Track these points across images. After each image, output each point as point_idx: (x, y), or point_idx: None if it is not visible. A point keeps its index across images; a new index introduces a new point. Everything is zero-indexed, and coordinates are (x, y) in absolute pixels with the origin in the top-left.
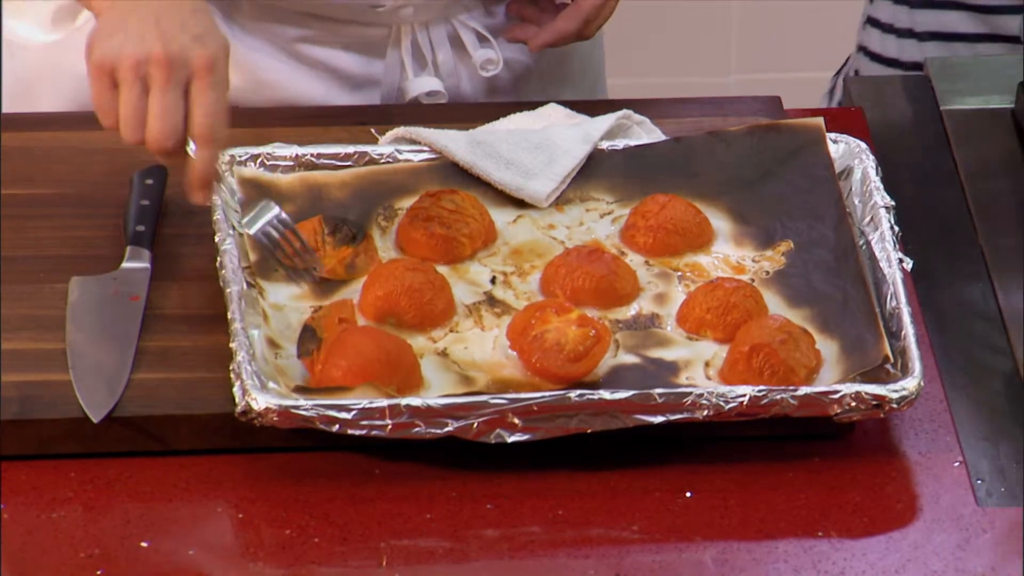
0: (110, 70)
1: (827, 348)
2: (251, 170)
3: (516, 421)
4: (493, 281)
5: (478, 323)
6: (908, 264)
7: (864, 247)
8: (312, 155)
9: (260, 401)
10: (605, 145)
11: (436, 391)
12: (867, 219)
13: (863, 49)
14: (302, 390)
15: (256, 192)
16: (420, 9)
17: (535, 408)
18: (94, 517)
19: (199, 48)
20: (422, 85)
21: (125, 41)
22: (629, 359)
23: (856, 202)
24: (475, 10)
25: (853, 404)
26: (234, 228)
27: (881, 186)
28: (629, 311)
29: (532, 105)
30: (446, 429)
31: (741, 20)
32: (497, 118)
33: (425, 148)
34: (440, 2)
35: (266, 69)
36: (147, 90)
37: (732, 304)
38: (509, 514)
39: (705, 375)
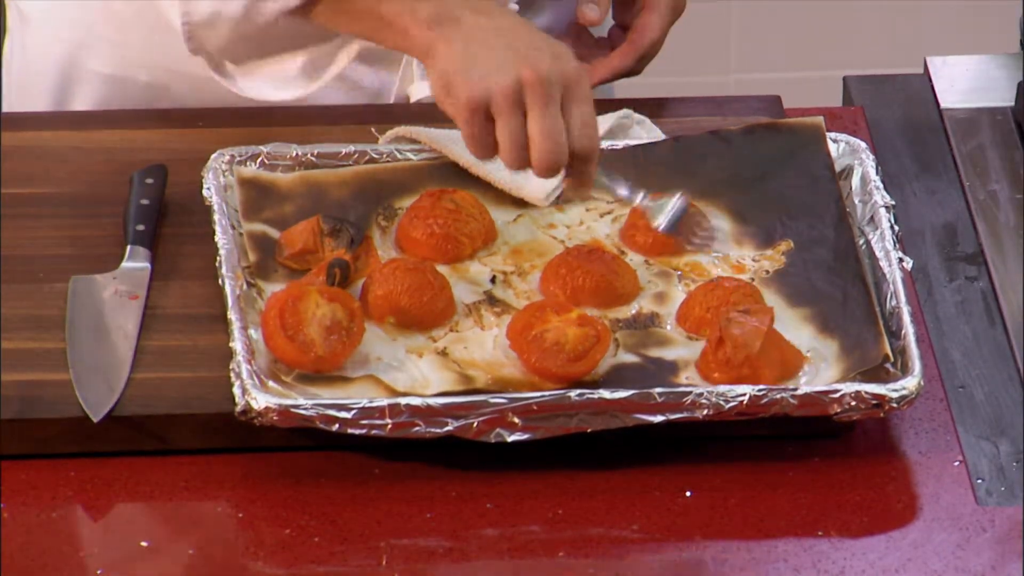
0: (484, 105)
1: (827, 347)
2: (251, 169)
3: (516, 420)
4: (493, 280)
5: (478, 322)
6: (908, 263)
7: (864, 246)
8: (312, 154)
9: (260, 400)
10: (606, 145)
11: (436, 390)
12: (867, 218)
13: None
14: (304, 379)
15: (256, 192)
16: None
17: (535, 407)
18: (94, 517)
19: (563, 64)
20: (425, 90)
21: (488, 73)
22: (629, 358)
23: (856, 201)
24: None
25: (853, 403)
26: (234, 227)
27: (881, 185)
28: (629, 310)
29: None
30: (446, 428)
31: (741, 20)
32: None
33: (425, 148)
34: None
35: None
36: (524, 115)
37: (732, 304)
38: (509, 514)
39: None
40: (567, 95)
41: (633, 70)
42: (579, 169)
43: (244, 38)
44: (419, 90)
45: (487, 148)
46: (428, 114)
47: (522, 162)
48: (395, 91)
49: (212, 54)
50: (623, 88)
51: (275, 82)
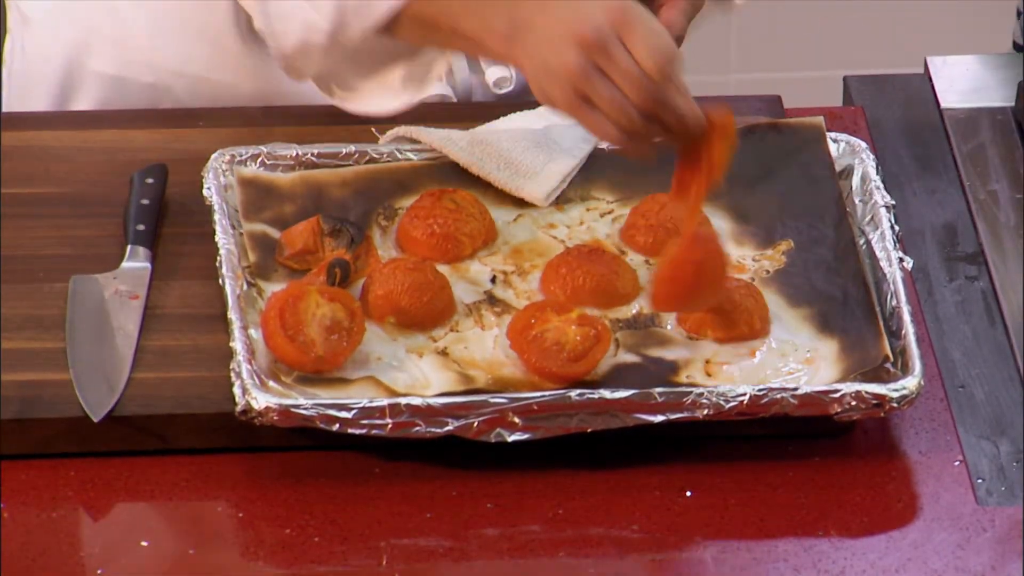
0: (576, 98)
1: (827, 347)
2: (251, 169)
3: (516, 420)
4: (493, 280)
5: (478, 322)
6: (908, 263)
7: (864, 246)
8: (312, 154)
9: (260, 400)
10: (606, 145)
11: (436, 390)
12: (867, 218)
13: None
14: (304, 379)
15: (256, 192)
16: None
17: (535, 407)
18: (93, 517)
19: (606, 11)
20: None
21: (551, 68)
22: (629, 358)
23: (856, 201)
24: None
25: (853, 403)
26: (234, 227)
27: (881, 185)
28: (629, 310)
29: (532, 105)
30: (446, 428)
31: (741, 20)
32: (497, 118)
33: (425, 148)
34: None
35: (284, 81)
36: (607, 80)
37: (732, 303)
38: (509, 513)
39: (704, 372)
40: (624, 32)
41: None
42: (672, 85)
43: (339, 61)
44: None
45: (605, 128)
46: (428, 114)
47: (635, 120)
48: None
49: (315, 79)
50: None
51: (382, 96)
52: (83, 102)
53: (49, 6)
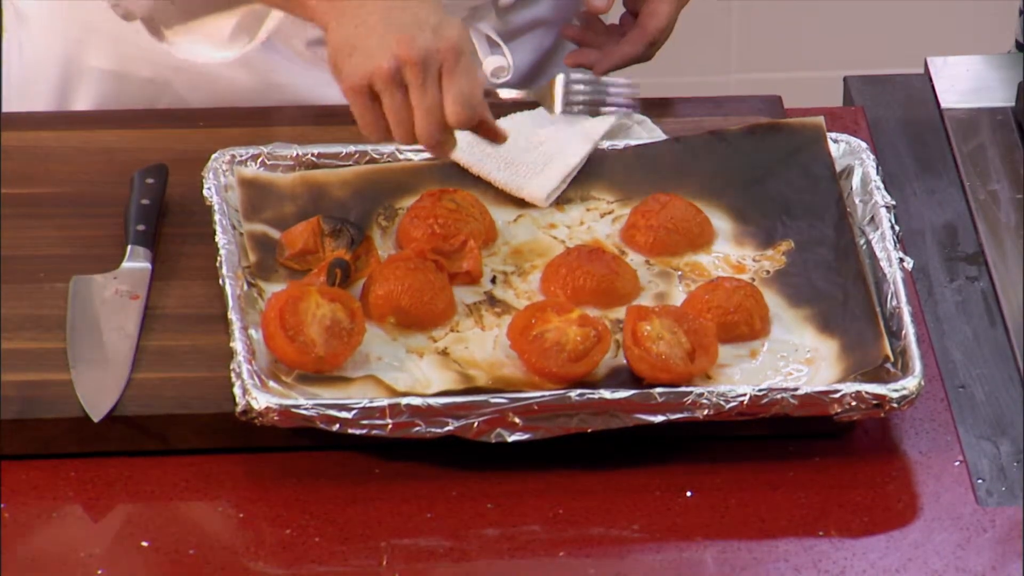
0: (367, 86)
1: (827, 347)
2: (251, 170)
3: (516, 420)
4: (493, 280)
5: (478, 323)
6: (909, 263)
7: (865, 246)
8: (313, 154)
9: (260, 400)
10: (606, 145)
11: (436, 390)
12: (868, 218)
13: None
14: (304, 379)
15: (256, 192)
16: None
17: (535, 407)
18: (94, 517)
19: (441, 40)
20: None
21: (369, 55)
22: None
23: (857, 201)
24: (488, 17)
25: (853, 403)
26: (234, 228)
27: (882, 185)
28: None
29: (532, 105)
30: (446, 428)
31: (741, 20)
32: (497, 118)
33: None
34: (460, 6)
35: (280, 72)
36: (406, 92)
37: (733, 304)
38: (509, 513)
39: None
40: (445, 70)
41: (644, 56)
42: (481, 134)
43: (169, 3)
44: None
45: (374, 127)
46: None
47: (408, 137)
48: None
49: (143, 19)
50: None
51: (211, 43)
52: (82, 99)
53: (45, 4)
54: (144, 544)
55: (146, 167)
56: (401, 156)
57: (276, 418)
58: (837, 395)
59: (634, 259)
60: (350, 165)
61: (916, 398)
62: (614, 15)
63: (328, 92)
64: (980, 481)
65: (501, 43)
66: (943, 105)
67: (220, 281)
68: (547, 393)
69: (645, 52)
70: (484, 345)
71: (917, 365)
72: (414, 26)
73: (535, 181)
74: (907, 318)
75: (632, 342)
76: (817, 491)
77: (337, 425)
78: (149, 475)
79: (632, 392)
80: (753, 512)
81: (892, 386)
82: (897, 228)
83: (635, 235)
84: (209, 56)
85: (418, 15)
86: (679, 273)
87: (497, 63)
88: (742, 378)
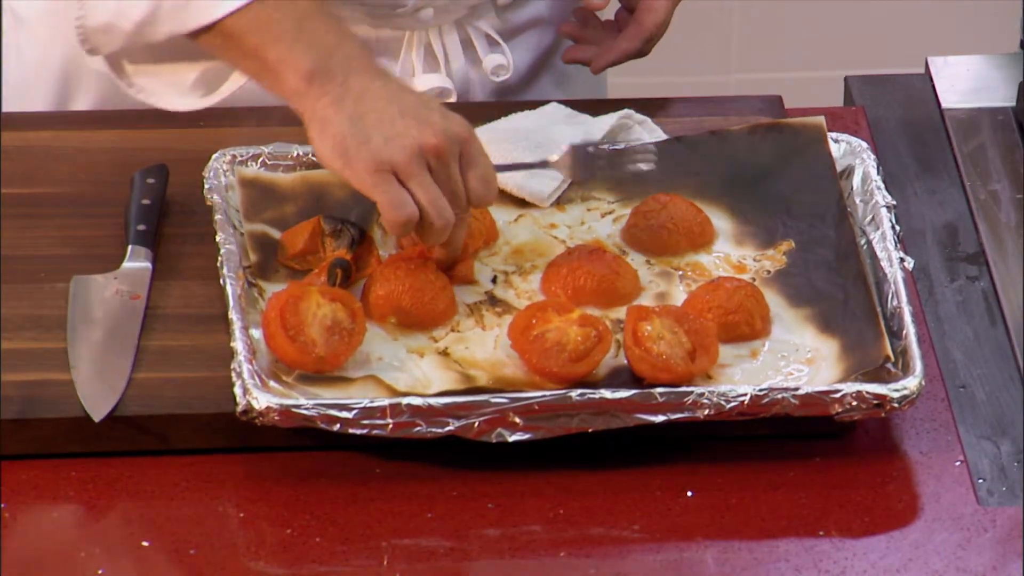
0: (390, 170)
1: (828, 347)
2: (252, 170)
3: (517, 420)
4: (494, 280)
5: (479, 322)
6: (909, 263)
7: (865, 246)
8: (313, 154)
9: (261, 400)
10: (606, 145)
11: (437, 390)
12: (868, 218)
13: None
14: (305, 379)
15: (257, 192)
16: (440, 12)
17: (536, 407)
18: (94, 517)
19: (453, 124)
20: (429, 82)
21: (388, 140)
22: None
23: (857, 201)
24: (488, 16)
25: (854, 403)
26: (235, 228)
27: (882, 185)
28: None
29: (533, 105)
30: (447, 428)
31: (741, 20)
32: (498, 118)
33: None
34: (460, 5)
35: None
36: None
37: (734, 304)
38: (510, 513)
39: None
40: (464, 151)
41: (640, 52)
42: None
43: (138, 50)
44: (423, 82)
45: (402, 207)
46: None
47: (444, 217)
48: None
49: (106, 58)
50: (624, 88)
51: (173, 90)
52: (82, 99)
53: (43, 6)
54: (144, 544)
55: (146, 167)
56: None
57: (277, 418)
58: (838, 395)
59: (635, 259)
60: None
61: (917, 398)
62: (610, 12)
63: None
64: (981, 481)
65: (501, 41)
66: (944, 105)
67: (221, 281)
68: (548, 393)
69: (642, 48)
70: (485, 345)
71: (918, 365)
72: (423, 111)
73: (536, 181)
74: (908, 318)
75: (633, 342)
76: (818, 491)
77: (338, 425)
78: (149, 475)
79: (633, 392)
80: (754, 512)
81: (893, 386)
82: (898, 228)
83: (636, 235)
84: (169, 103)
85: (422, 100)
86: (680, 273)
87: (497, 61)
88: (743, 378)
